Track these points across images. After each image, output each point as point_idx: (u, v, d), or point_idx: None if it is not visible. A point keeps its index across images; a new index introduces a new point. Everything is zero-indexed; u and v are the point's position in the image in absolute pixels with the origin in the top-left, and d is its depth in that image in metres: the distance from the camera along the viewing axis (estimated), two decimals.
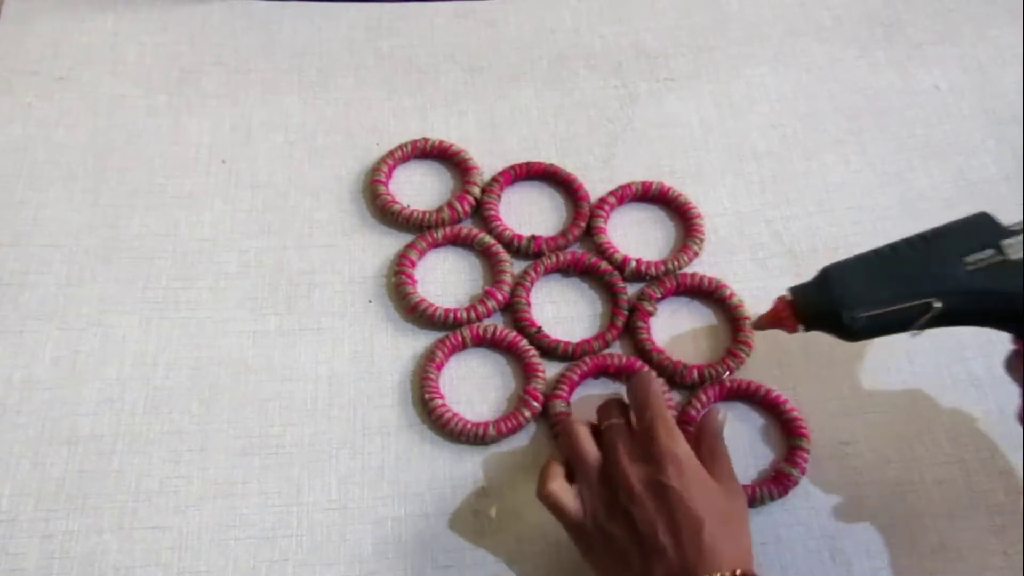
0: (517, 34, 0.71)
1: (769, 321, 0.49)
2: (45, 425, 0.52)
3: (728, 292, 0.58)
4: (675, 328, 0.58)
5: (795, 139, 0.66)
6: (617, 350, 0.57)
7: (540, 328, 0.56)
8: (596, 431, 0.49)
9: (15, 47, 0.67)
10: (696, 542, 0.42)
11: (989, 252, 0.41)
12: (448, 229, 0.60)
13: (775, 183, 0.64)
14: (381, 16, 0.72)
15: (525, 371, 0.55)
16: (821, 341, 0.57)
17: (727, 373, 0.55)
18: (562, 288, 0.59)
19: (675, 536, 0.43)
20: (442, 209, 0.61)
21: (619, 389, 0.56)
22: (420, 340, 0.57)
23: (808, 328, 0.47)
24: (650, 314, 0.57)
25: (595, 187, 0.63)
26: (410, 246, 0.59)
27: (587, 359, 0.55)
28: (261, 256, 0.59)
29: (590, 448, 0.48)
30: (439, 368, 0.55)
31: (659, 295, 0.58)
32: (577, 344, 0.56)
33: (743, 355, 0.55)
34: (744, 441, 0.54)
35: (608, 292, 0.59)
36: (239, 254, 0.59)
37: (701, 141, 0.66)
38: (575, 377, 0.54)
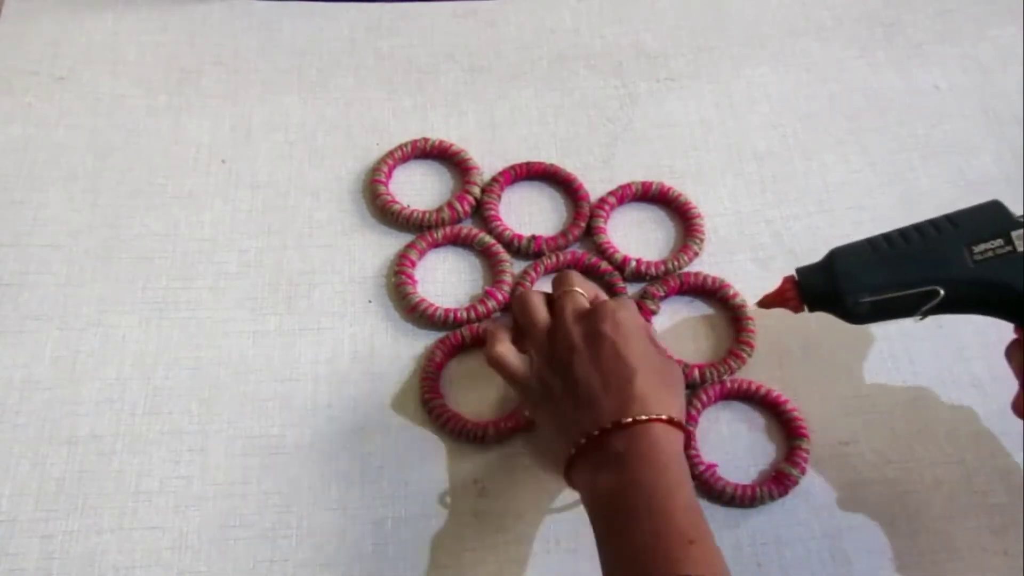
0: (517, 34, 0.71)
1: (773, 300, 0.49)
2: (45, 425, 0.52)
3: (731, 292, 0.58)
4: (677, 327, 0.58)
5: (795, 139, 0.66)
6: None
7: None
8: (551, 301, 0.50)
9: (15, 47, 0.67)
10: (627, 390, 0.43)
11: (998, 242, 0.41)
12: (448, 229, 0.60)
13: (775, 183, 0.64)
14: (381, 16, 0.72)
15: None
16: (822, 341, 0.57)
17: (728, 374, 0.55)
18: None
19: (606, 383, 0.44)
20: (442, 209, 0.60)
21: None
22: (420, 340, 0.57)
23: (812, 309, 0.48)
24: (653, 312, 0.57)
25: (595, 187, 0.63)
26: (410, 246, 0.59)
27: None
28: (261, 256, 0.59)
29: (541, 313, 0.49)
30: (439, 368, 0.55)
31: (662, 294, 0.58)
32: None
33: (745, 355, 0.55)
34: (744, 441, 0.54)
35: (608, 292, 0.59)
36: (239, 254, 0.59)
37: (701, 141, 0.66)
38: None
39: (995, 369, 0.50)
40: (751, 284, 0.58)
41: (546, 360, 0.47)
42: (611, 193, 0.62)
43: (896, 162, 0.65)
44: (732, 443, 0.54)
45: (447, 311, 0.56)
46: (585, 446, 0.43)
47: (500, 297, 0.57)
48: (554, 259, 0.59)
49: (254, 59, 0.68)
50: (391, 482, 0.52)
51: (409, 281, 0.58)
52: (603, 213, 0.61)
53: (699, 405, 0.54)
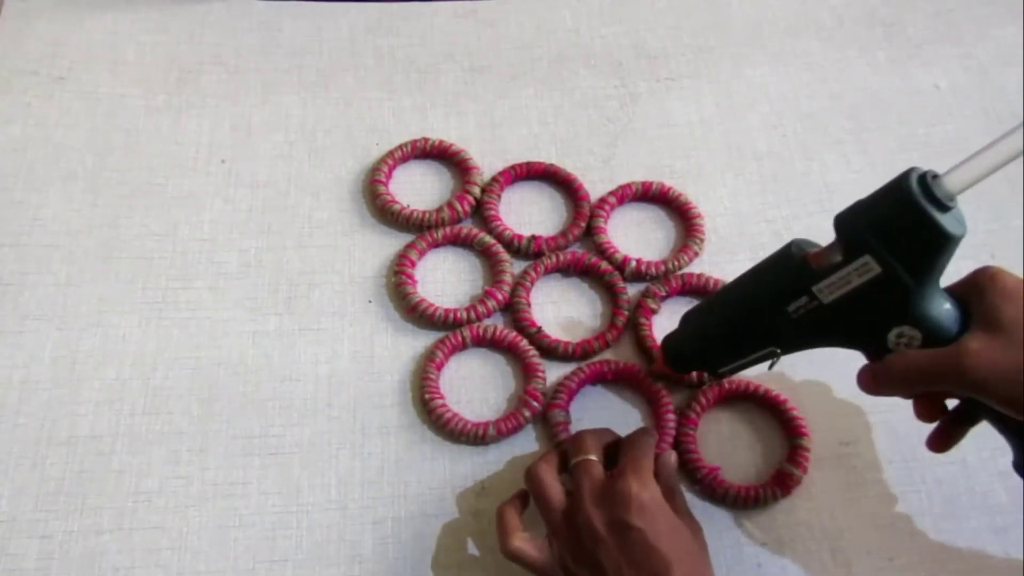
0: (517, 34, 0.71)
1: (657, 372, 0.55)
2: (44, 425, 0.52)
3: None
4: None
5: (795, 139, 0.66)
6: (617, 351, 0.57)
7: (540, 328, 0.56)
8: (565, 462, 0.48)
9: (15, 47, 0.67)
10: None
11: (805, 299, 0.42)
12: (448, 229, 0.60)
13: (775, 183, 0.64)
14: (381, 16, 0.72)
15: (525, 371, 0.55)
16: None
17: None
18: (562, 288, 0.59)
19: None
20: (442, 209, 0.60)
21: (617, 394, 0.56)
22: (420, 340, 0.57)
23: (683, 373, 0.54)
24: (654, 312, 0.57)
25: (595, 187, 0.63)
26: (410, 246, 0.59)
27: (584, 367, 0.55)
28: (261, 256, 0.59)
29: (555, 494, 0.46)
30: (439, 368, 0.55)
31: (664, 294, 0.58)
32: (577, 344, 0.56)
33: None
34: (745, 441, 0.54)
35: (608, 292, 0.59)
36: (239, 254, 0.59)
37: (701, 141, 0.66)
38: (573, 385, 0.54)
39: None
40: None
41: (569, 549, 0.44)
42: (611, 193, 0.62)
43: (896, 162, 0.65)
44: (733, 443, 0.54)
45: (447, 311, 0.56)
46: None
47: (500, 297, 0.57)
48: (554, 259, 0.59)
49: (254, 59, 0.68)
50: (391, 482, 0.52)
51: (409, 281, 0.58)
52: (603, 213, 0.61)
53: (698, 408, 0.54)
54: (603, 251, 0.59)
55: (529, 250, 0.60)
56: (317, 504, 0.51)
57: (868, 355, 0.44)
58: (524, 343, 0.56)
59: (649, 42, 0.71)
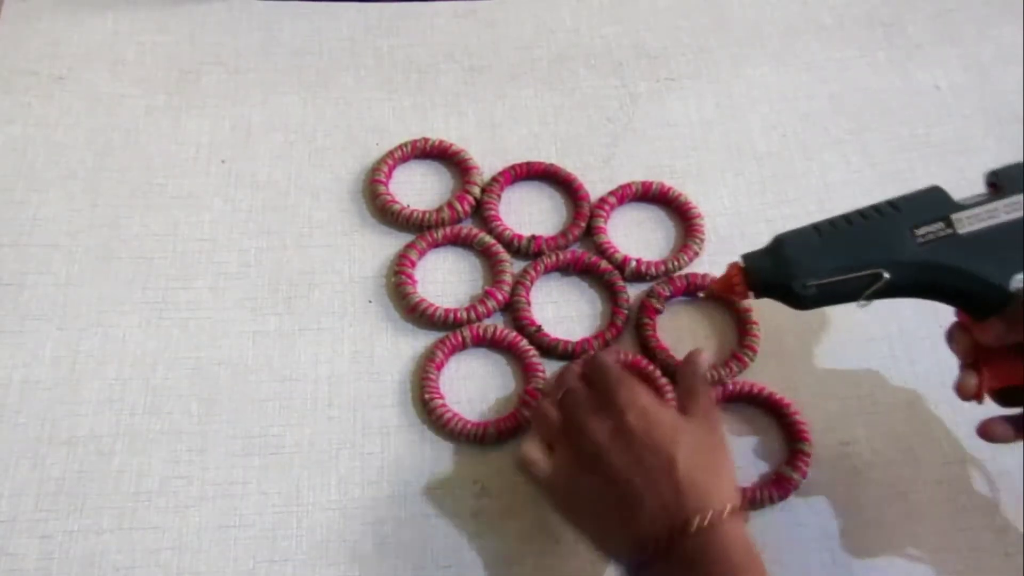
0: (517, 34, 0.71)
1: (720, 288, 0.49)
2: (45, 425, 0.52)
3: None
4: (681, 328, 0.58)
5: (795, 139, 0.66)
6: (622, 347, 0.57)
7: (540, 327, 0.56)
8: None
9: (15, 47, 0.67)
10: (672, 482, 0.42)
11: (939, 225, 0.42)
12: (448, 229, 0.60)
13: (775, 183, 0.64)
14: (381, 16, 0.71)
15: (525, 371, 0.55)
16: (821, 341, 0.57)
17: (730, 376, 0.55)
18: (562, 288, 0.59)
19: (649, 480, 0.42)
20: (442, 209, 0.60)
21: None
22: (420, 340, 0.57)
23: (758, 296, 0.48)
24: (658, 312, 0.57)
25: (595, 187, 0.63)
26: (410, 246, 0.59)
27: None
28: (261, 256, 0.59)
29: (552, 416, 0.47)
30: (439, 368, 0.55)
31: (668, 293, 0.58)
32: (577, 343, 0.56)
33: (747, 359, 0.55)
34: (746, 443, 0.54)
35: (608, 291, 0.59)
36: (239, 254, 0.59)
37: (701, 141, 0.66)
38: None
39: None
40: None
41: (573, 463, 0.45)
42: (611, 193, 0.62)
43: (896, 162, 0.65)
44: (732, 443, 0.54)
45: (447, 311, 0.56)
46: (646, 559, 0.41)
47: (500, 297, 0.57)
48: (554, 258, 0.59)
49: (254, 59, 0.68)
50: (391, 482, 0.52)
51: (409, 281, 0.58)
52: (603, 213, 0.61)
53: None
54: (603, 251, 0.59)
55: (529, 250, 0.60)
56: (317, 504, 0.51)
57: (971, 307, 0.44)
58: (524, 343, 0.56)
59: (649, 42, 0.71)
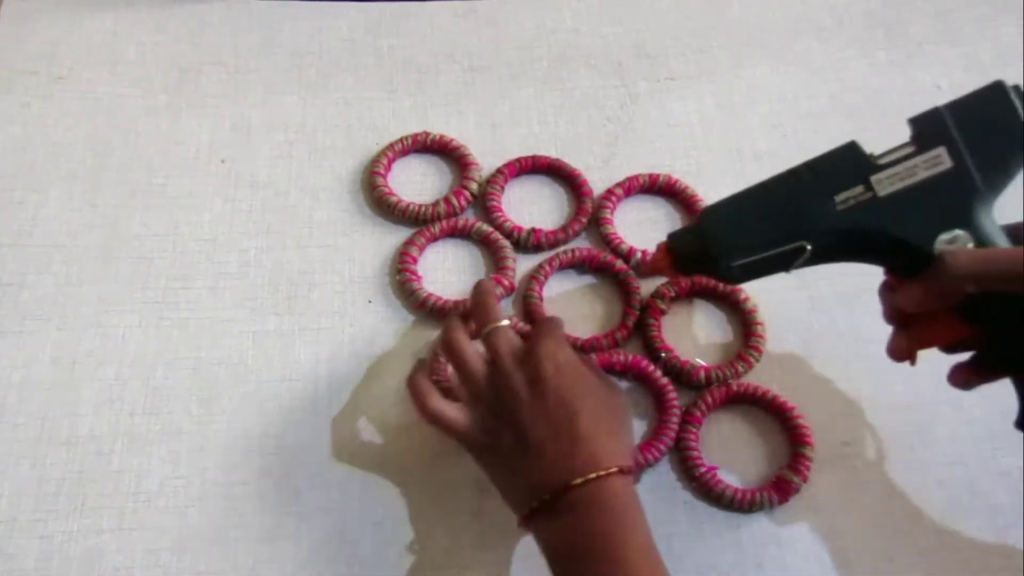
0: (517, 34, 0.71)
1: (650, 268, 0.50)
2: (44, 425, 0.52)
3: (743, 296, 0.57)
4: (686, 328, 0.58)
5: (795, 139, 0.66)
6: (627, 348, 0.57)
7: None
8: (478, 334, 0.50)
9: (15, 47, 0.67)
10: (571, 436, 0.43)
11: (859, 189, 0.41)
12: (445, 222, 0.60)
13: None
14: (381, 16, 0.71)
15: None
16: (822, 341, 0.57)
17: (735, 378, 0.55)
18: (575, 284, 0.59)
19: (553, 430, 0.44)
20: (438, 203, 0.60)
21: (623, 387, 0.56)
22: (420, 338, 0.57)
23: (687, 273, 0.48)
24: (663, 312, 0.57)
25: (595, 187, 0.63)
26: (409, 243, 0.59)
27: (593, 356, 0.55)
28: (261, 256, 0.59)
29: (476, 362, 0.48)
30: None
31: (673, 294, 0.58)
32: (586, 340, 0.56)
33: (753, 360, 0.55)
34: (747, 443, 0.54)
35: (622, 290, 0.58)
36: (239, 254, 0.59)
37: (701, 141, 0.66)
38: None
39: None
40: (752, 283, 0.58)
41: (492, 411, 0.46)
42: (618, 184, 0.62)
43: None
44: (734, 444, 0.54)
45: (456, 303, 0.57)
46: (539, 505, 0.43)
47: (506, 283, 0.57)
48: (570, 255, 0.59)
49: (254, 59, 0.68)
50: (391, 482, 0.52)
51: (414, 277, 0.58)
52: (610, 204, 0.61)
53: (704, 407, 0.54)
54: (609, 242, 0.60)
55: (528, 243, 0.60)
56: (317, 504, 0.51)
57: (897, 268, 0.42)
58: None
59: (649, 42, 0.71)
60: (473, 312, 0.50)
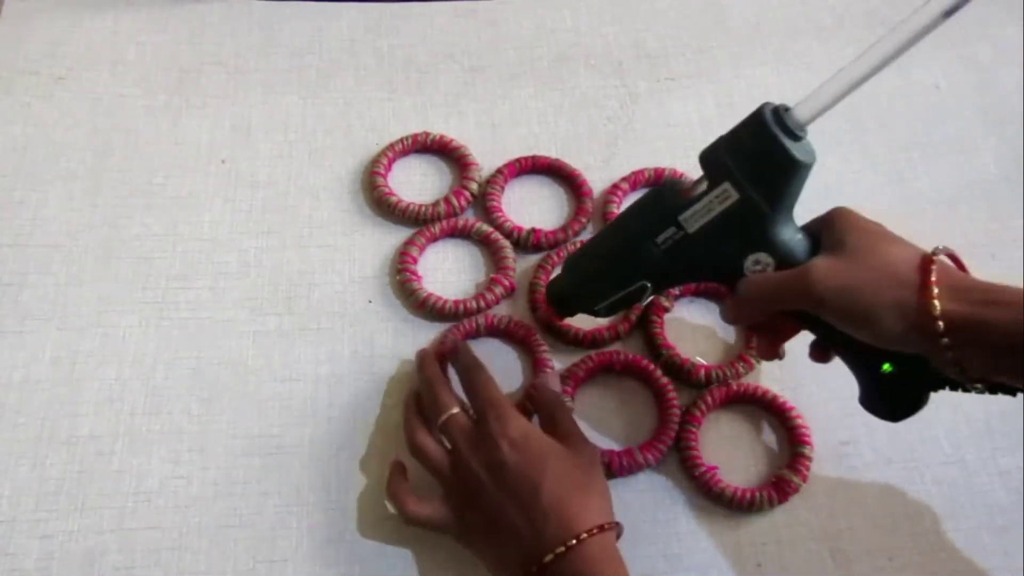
0: (517, 34, 0.71)
1: (544, 316, 0.56)
2: (44, 425, 0.52)
3: None
4: (688, 327, 0.58)
5: None
6: (627, 345, 0.57)
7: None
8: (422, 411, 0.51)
9: (15, 47, 0.67)
10: (537, 510, 0.43)
11: (672, 229, 0.45)
12: (445, 222, 0.60)
13: None
14: (381, 16, 0.71)
15: (534, 365, 0.55)
16: None
17: (735, 378, 0.55)
18: None
19: (519, 507, 0.44)
20: (438, 203, 0.60)
21: (624, 387, 0.56)
22: (421, 338, 0.57)
23: (569, 315, 0.55)
24: (666, 310, 0.57)
25: (595, 187, 0.63)
26: (409, 243, 0.59)
27: (593, 355, 0.55)
28: (261, 256, 0.59)
29: (439, 456, 0.48)
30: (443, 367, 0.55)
31: (677, 293, 0.58)
32: (587, 332, 0.56)
33: (754, 361, 0.55)
34: (747, 443, 0.54)
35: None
36: (239, 254, 0.59)
37: (701, 141, 0.65)
38: (581, 373, 0.54)
39: None
40: None
41: (460, 499, 0.47)
42: (624, 179, 0.62)
43: (896, 162, 0.65)
44: (734, 444, 0.54)
45: (456, 302, 0.57)
46: None
47: (507, 283, 0.58)
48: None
49: (254, 59, 0.68)
50: None
51: (414, 277, 0.58)
52: (616, 199, 0.61)
53: (704, 407, 0.54)
54: None
55: (528, 242, 0.60)
56: (317, 504, 0.51)
57: (728, 287, 0.46)
58: (537, 337, 0.56)
59: (649, 42, 0.71)
60: (425, 403, 0.51)
